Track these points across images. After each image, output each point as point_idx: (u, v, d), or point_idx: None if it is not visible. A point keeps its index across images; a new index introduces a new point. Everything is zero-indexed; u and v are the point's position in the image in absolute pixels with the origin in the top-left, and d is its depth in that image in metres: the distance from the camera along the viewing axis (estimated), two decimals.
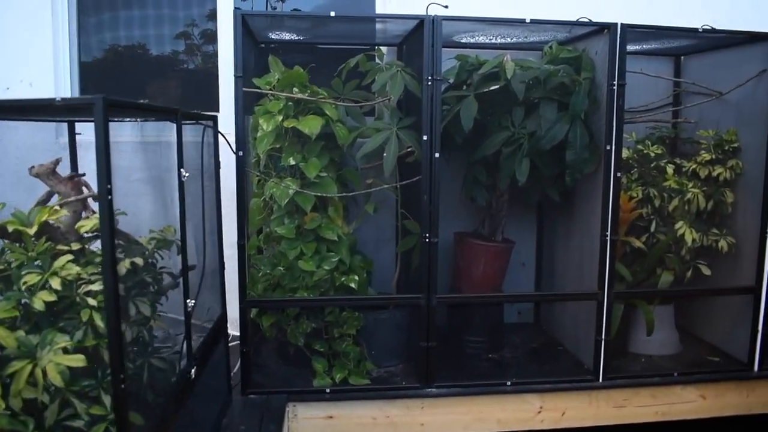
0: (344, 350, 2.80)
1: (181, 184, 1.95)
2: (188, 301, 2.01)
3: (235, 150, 2.57)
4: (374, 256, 3.15)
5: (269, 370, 2.94)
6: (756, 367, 3.03)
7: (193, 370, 2.04)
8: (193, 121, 2.48)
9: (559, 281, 3.39)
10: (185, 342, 2.04)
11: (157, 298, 2.02)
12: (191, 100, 3.58)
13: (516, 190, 3.05)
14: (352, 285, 2.77)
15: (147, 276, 1.87)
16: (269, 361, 3.03)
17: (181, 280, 2.06)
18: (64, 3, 3.34)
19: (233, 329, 2.86)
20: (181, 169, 1.95)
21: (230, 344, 3.01)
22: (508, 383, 2.84)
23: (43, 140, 2.72)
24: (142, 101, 2.78)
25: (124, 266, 1.78)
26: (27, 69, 3.26)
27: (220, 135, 2.55)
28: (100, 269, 1.79)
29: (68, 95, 3.34)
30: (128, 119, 2.32)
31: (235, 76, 2.52)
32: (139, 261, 1.81)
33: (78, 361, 1.52)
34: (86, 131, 3.01)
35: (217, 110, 3.42)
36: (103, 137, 1.33)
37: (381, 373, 2.93)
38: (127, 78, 3.55)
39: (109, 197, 1.35)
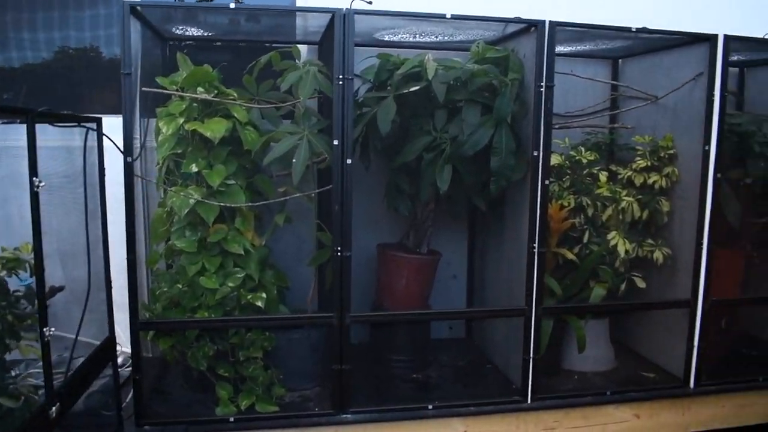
0: (251, 374, 2.56)
1: (34, 194, 1.69)
2: (46, 330, 1.74)
3: (123, 154, 2.31)
4: (293, 271, 2.92)
5: (171, 398, 2.67)
6: (692, 384, 2.89)
7: (54, 408, 1.78)
8: (75, 123, 2.24)
9: (490, 295, 3.20)
10: (45, 376, 1.78)
11: (12, 325, 1.77)
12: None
13: (443, 198, 2.86)
14: (259, 303, 2.53)
15: None
16: (173, 387, 2.76)
17: (39, 303, 1.79)
18: None
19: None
20: (34, 178, 1.69)
21: (126, 369, 2.76)
22: (430, 407, 2.62)
23: None
24: None
25: None
26: None
27: (106, 138, 2.30)
28: None
29: None
30: None
31: (122, 73, 2.26)
32: None
33: None
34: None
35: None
36: None
37: (295, 398, 2.70)
38: (47, 83, 3.25)
39: None
